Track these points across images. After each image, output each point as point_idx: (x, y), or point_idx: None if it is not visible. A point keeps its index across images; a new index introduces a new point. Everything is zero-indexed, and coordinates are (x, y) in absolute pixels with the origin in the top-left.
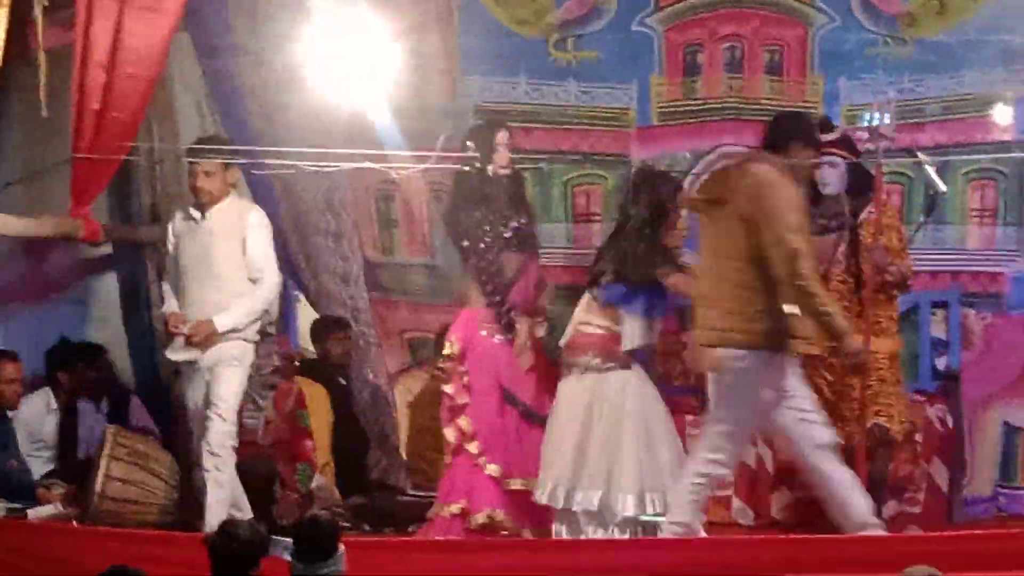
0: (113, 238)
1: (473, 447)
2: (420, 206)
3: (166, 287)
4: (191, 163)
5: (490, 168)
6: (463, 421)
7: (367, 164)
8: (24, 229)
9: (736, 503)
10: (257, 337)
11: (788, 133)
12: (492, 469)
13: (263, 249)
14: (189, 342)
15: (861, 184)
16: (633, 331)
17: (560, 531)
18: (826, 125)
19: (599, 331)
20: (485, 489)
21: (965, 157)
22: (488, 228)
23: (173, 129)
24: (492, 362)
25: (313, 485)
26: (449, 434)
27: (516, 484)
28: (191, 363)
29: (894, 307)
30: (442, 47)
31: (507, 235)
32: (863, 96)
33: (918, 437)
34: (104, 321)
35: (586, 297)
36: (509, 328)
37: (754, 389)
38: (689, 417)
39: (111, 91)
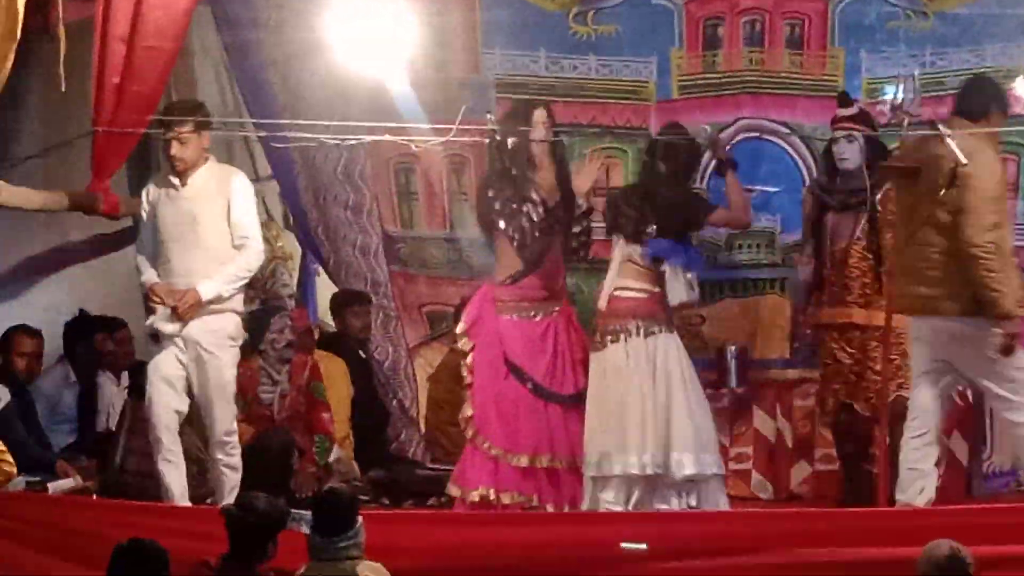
0: (132, 211)
1: (469, 430)
2: (440, 179)
3: (140, 258)
4: (164, 132)
5: (509, 142)
6: (466, 404)
7: (387, 137)
8: (44, 203)
9: (755, 477)
10: (242, 308)
11: (989, 98)
12: (489, 447)
13: (248, 214)
14: (175, 313)
15: (880, 159)
16: (679, 285)
17: (605, 499)
18: (844, 100)
19: (641, 295)
20: (479, 468)
21: (985, 130)
22: (515, 204)
23: None
24: (498, 337)
25: (332, 458)
26: (462, 415)
27: (523, 460)
28: (172, 336)
29: None
30: (463, 20)
31: (526, 213)
32: (884, 69)
33: None
34: (124, 295)
35: (617, 258)
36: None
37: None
38: (708, 391)
39: (131, 64)
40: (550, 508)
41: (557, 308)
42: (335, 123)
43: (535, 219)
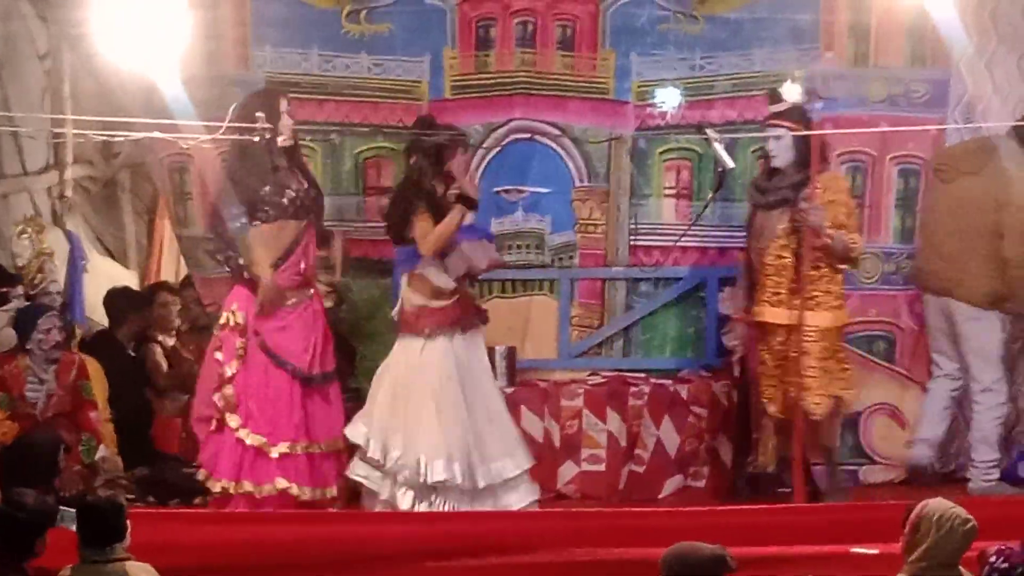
0: None
1: (233, 420)
2: (215, 178)
3: None
4: None
5: (280, 138)
6: (228, 390)
7: (156, 134)
8: None
9: None
10: None
11: None
12: (248, 437)
13: None
14: None
15: (805, 157)
16: (443, 276)
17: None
18: (774, 97)
19: (410, 308)
20: (230, 458)
21: (754, 135)
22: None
23: None
24: (254, 330)
25: (98, 456)
26: (217, 400)
27: (283, 448)
28: None
29: (839, 281)
30: (235, 16)
31: (285, 203)
32: (654, 72)
33: (702, 412)
34: None
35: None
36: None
37: None
38: None
39: None
40: (307, 494)
41: (311, 292)
42: (104, 119)
43: (287, 206)
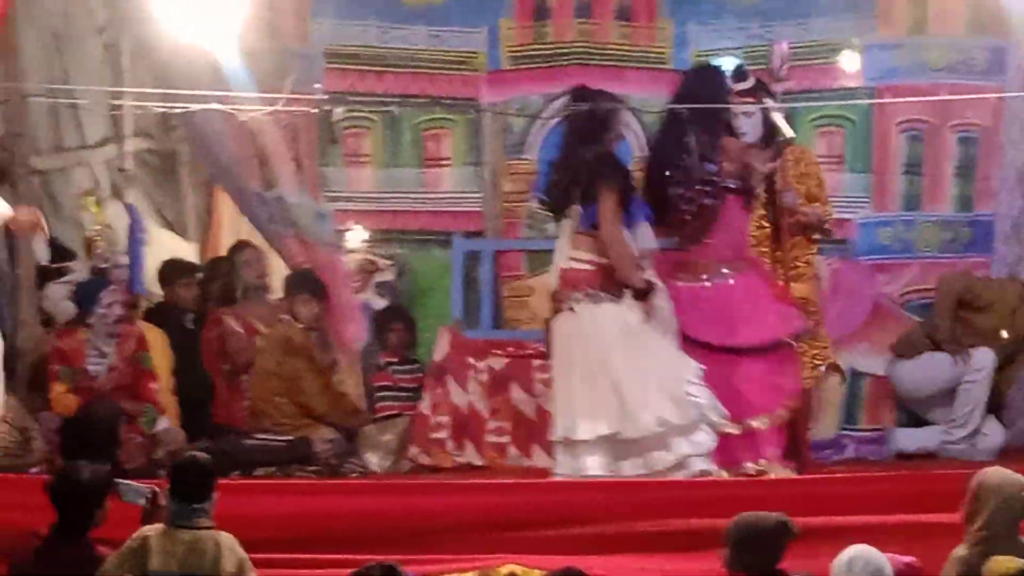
0: None
1: None
2: (275, 145)
3: None
4: None
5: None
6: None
7: (215, 106)
8: None
9: None
10: None
11: None
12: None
13: None
14: None
15: (774, 132)
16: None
17: (563, 464)
18: (740, 74)
19: (588, 266)
20: None
21: (812, 104)
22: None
23: (17, 68)
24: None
25: (158, 428)
26: None
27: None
28: None
29: (812, 251)
30: None
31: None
32: (712, 42)
33: None
34: None
35: (568, 229)
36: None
37: None
38: (537, 362)
39: None
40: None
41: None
42: (163, 91)
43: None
